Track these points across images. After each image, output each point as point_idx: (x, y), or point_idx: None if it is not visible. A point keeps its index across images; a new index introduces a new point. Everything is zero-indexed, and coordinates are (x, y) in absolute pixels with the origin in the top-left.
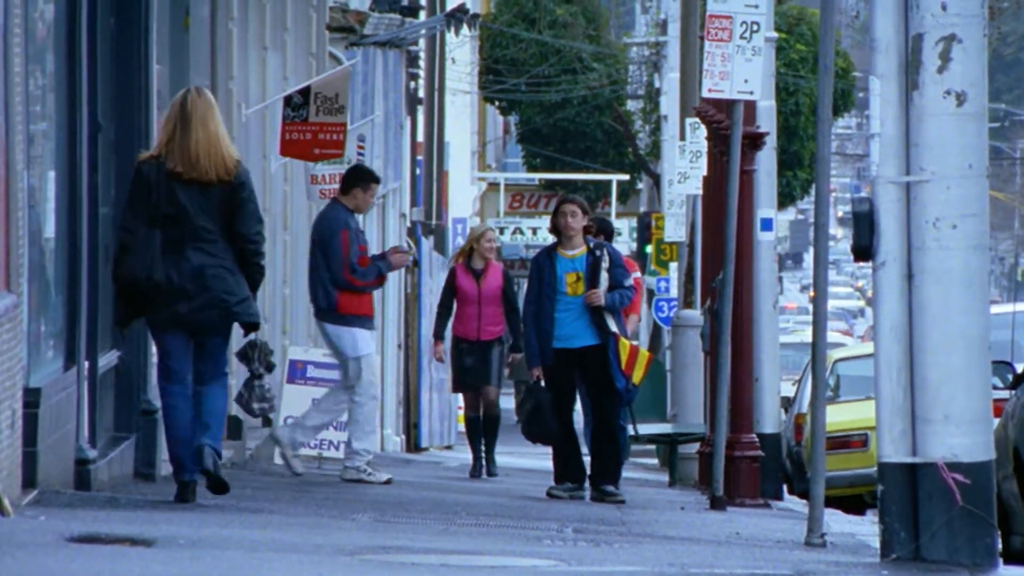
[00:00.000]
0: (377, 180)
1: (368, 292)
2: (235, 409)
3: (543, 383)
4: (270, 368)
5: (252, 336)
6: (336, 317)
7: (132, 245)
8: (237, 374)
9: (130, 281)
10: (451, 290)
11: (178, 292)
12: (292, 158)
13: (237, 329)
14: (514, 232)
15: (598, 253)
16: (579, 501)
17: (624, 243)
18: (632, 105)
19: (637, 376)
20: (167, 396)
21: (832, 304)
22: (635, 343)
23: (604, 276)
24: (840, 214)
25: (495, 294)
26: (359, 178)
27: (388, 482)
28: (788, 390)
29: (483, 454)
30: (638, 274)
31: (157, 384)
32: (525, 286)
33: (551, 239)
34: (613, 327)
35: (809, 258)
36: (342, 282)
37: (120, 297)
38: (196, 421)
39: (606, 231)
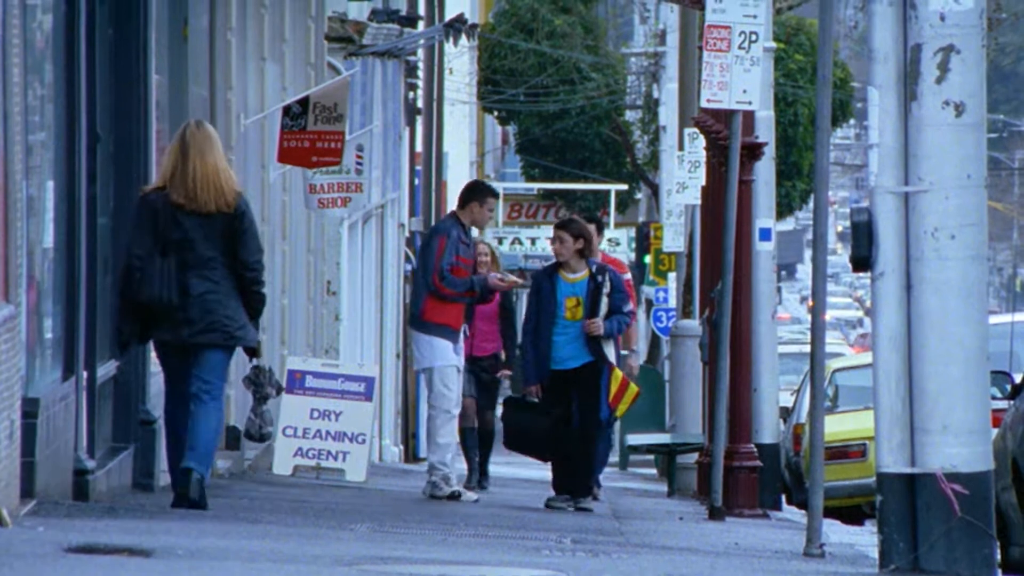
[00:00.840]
0: (495, 195)
1: (453, 301)
2: (242, 424)
3: (538, 399)
4: (280, 390)
5: (256, 361)
6: (420, 324)
7: (146, 268)
8: (236, 399)
9: (147, 302)
10: None
11: (181, 317)
12: (290, 165)
13: (242, 356)
14: (513, 242)
15: (600, 279)
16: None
17: (623, 253)
18: (631, 115)
19: (621, 410)
20: (171, 399)
21: (831, 315)
22: (634, 352)
23: (604, 302)
24: (840, 228)
25: (491, 311)
26: (476, 193)
27: (454, 496)
28: (786, 400)
29: (478, 465)
30: (628, 276)
31: (163, 388)
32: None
33: (550, 248)
34: (610, 355)
35: (803, 269)
36: (430, 285)
37: (125, 317)
38: (187, 439)
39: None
